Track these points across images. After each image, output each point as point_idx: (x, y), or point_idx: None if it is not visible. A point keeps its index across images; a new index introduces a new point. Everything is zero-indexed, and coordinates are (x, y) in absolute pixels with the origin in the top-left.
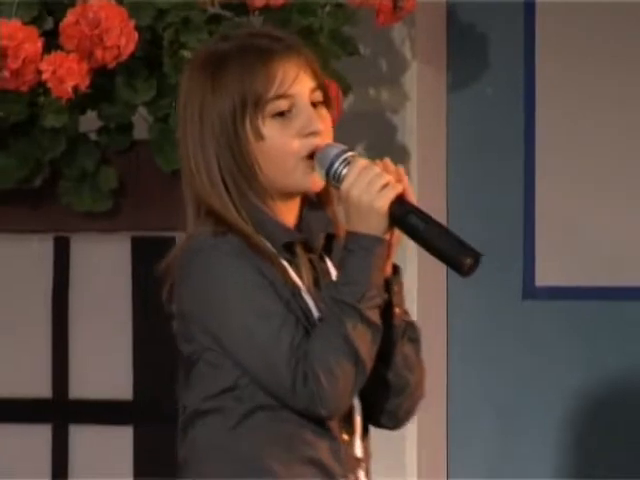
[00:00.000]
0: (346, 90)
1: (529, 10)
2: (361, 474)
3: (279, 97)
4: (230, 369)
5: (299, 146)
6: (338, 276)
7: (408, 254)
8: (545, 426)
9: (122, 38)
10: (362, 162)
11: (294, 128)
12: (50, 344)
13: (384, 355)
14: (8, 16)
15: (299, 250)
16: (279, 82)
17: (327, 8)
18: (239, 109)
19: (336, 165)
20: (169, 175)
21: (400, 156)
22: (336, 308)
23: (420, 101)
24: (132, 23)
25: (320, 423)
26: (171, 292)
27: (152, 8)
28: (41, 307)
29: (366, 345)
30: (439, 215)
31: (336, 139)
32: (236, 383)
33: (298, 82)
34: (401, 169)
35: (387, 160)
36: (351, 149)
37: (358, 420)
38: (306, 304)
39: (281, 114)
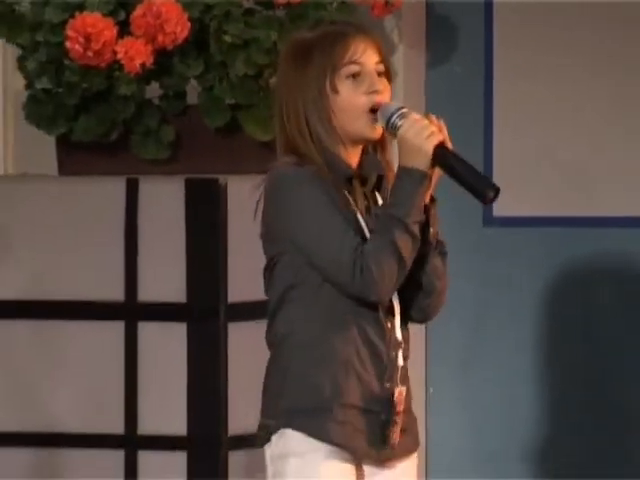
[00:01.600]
0: None
1: (488, 7)
2: (400, 353)
3: (351, 63)
4: (299, 270)
5: (365, 101)
6: (390, 198)
7: None
8: (506, 324)
9: (178, 27)
10: (415, 115)
11: (362, 87)
12: (123, 259)
13: (420, 263)
14: (91, 10)
15: (356, 183)
16: (351, 52)
17: (334, 4)
18: (322, 73)
19: (394, 117)
20: (213, 131)
21: None
22: (387, 220)
23: (405, 75)
24: (185, 15)
25: (371, 314)
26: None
27: (201, 4)
28: (117, 232)
29: (407, 250)
30: None
31: None
32: (304, 280)
33: (366, 54)
34: (442, 123)
35: (432, 116)
36: (401, 106)
37: (398, 312)
38: (359, 224)
39: (353, 76)
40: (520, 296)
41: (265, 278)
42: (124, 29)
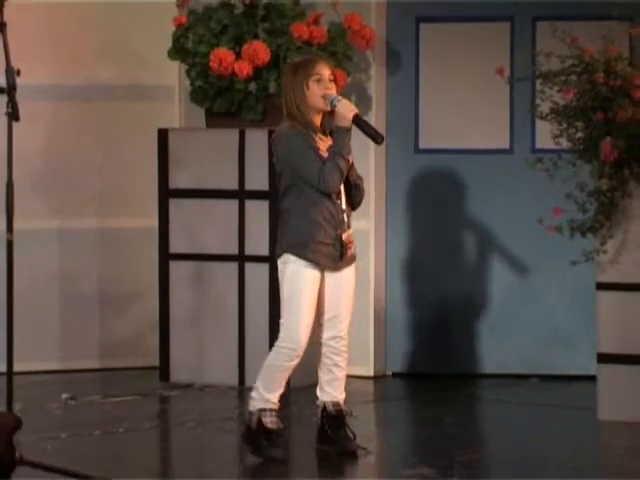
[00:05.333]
0: (348, 74)
1: (417, 29)
2: (345, 216)
3: (316, 74)
4: (293, 179)
5: (322, 93)
6: (334, 142)
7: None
8: (429, 215)
9: (265, 55)
10: (344, 101)
11: (321, 86)
12: (237, 168)
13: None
14: (222, 46)
15: (320, 133)
16: (316, 69)
17: (342, 44)
18: (302, 80)
19: (334, 101)
20: (280, 105)
21: (369, 95)
22: (332, 153)
23: (376, 79)
24: (268, 50)
25: (329, 198)
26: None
27: (275, 44)
28: (234, 156)
29: (344, 167)
30: (382, 113)
31: (344, 92)
32: (296, 183)
33: (324, 70)
34: (354, 105)
35: (349, 101)
36: (340, 95)
37: (343, 197)
38: (320, 154)
39: (317, 81)
40: (436, 196)
41: (277, 181)
42: (238, 56)
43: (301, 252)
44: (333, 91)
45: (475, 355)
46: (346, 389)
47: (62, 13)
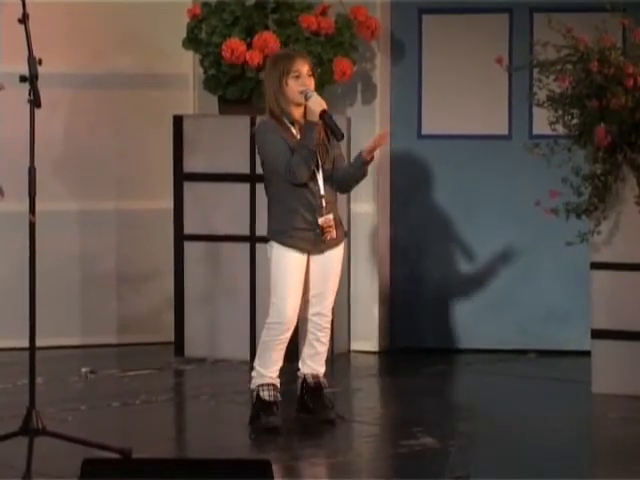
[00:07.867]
0: (354, 63)
1: (419, 33)
2: (323, 201)
3: (295, 71)
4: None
5: (299, 89)
6: (301, 135)
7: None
8: (432, 189)
9: (275, 44)
10: (315, 95)
11: (299, 82)
12: (249, 149)
13: (351, 173)
14: (234, 37)
15: (297, 125)
16: (295, 66)
17: (348, 34)
18: (281, 74)
19: (307, 95)
20: None
21: (374, 84)
22: (299, 146)
23: (381, 68)
24: (278, 40)
25: (306, 186)
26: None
27: (285, 34)
28: (246, 139)
29: (309, 159)
30: (386, 100)
31: (352, 82)
32: (277, 172)
33: (302, 66)
34: (323, 100)
35: (320, 97)
36: (313, 91)
37: (321, 184)
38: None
39: (295, 77)
40: (438, 179)
41: (262, 169)
42: (249, 46)
43: (280, 239)
44: (311, 86)
45: (476, 331)
46: (349, 363)
47: (83, 6)
